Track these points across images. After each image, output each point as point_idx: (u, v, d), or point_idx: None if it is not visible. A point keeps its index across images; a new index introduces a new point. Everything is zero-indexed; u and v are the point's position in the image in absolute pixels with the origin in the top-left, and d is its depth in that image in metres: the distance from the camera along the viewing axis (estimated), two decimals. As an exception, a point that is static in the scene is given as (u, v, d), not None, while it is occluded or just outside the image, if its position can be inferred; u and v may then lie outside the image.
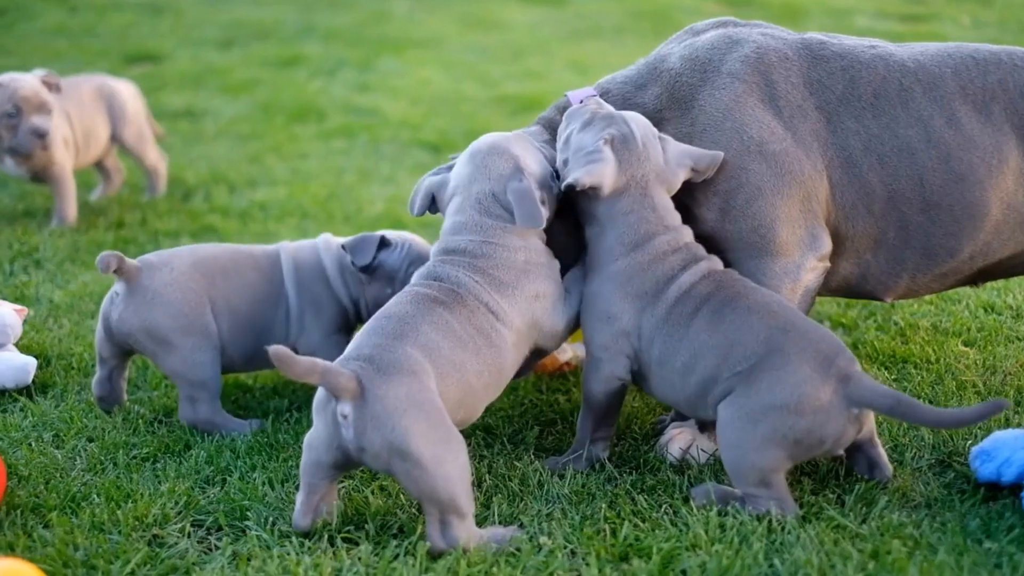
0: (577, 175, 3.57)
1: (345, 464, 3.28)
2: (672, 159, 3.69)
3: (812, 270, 3.77)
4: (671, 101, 3.83)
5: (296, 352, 4.07)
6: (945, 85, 3.84)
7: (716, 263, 3.66)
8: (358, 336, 3.41)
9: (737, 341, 3.44)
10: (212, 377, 4.02)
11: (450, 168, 3.81)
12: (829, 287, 3.93)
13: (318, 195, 6.70)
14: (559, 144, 3.76)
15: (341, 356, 3.33)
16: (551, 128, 3.95)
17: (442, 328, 3.40)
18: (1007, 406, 3.15)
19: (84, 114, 6.32)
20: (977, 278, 4.01)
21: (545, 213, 3.65)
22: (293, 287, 4.12)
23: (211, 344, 4.03)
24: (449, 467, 3.19)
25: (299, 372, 3.13)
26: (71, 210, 6.20)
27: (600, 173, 3.59)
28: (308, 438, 3.32)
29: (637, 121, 3.70)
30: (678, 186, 3.70)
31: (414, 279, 3.64)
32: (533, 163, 3.71)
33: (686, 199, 3.74)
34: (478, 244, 3.61)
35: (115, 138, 6.52)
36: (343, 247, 4.09)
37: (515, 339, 3.58)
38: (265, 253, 4.22)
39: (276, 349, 3.08)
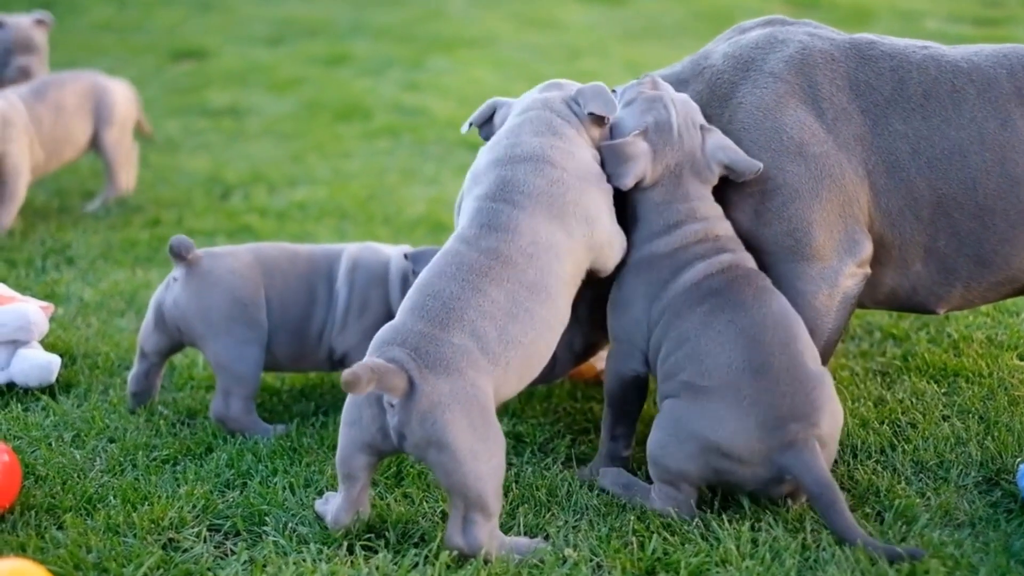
0: (621, 179, 3.62)
1: (383, 447, 3.28)
2: (710, 152, 3.68)
3: (851, 276, 3.74)
4: (712, 98, 3.82)
5: (333, 351, 4.13)
6: (1000, 86, 3.80)
7: (745, 259, 3.62)
8: (402, 312, 3.36)
9: (709, 356, 3.42)
10: (252, 374, 4.06)
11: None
12: (876, 299, 3.89)
13: (358, 195, 6.72)
14: None
15: (384, 336, 3.29)
16: None
17: (489, 312, 3.33)
18: (922, 556, 3.16)
19: (61, 118, 6.26)
20: (1035, 287, 3.96)
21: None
22: (345, 286, 4.16)
23: (259, 340, 4.09)
24: (483, 464, 3.19)
25: (365, 389, 3.11)
26: (8, 218, 6.08)
27: (640, 171, 3.63)
28: (349, 416, 3.31)
29: (680, 106, 3.72)
30: (714, 181, 3.69)
31: (465, 218, 3.56)
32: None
33: (720, 200, 3.72)
34: (540, 147, 3.59)
35: (96, 139, 6.48)
36: (405, 256, 4.09)
37: (573, 271, 3.53)
38: (326, 254, 4.27)
39: (348, 376, 3.07)
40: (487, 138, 3.82)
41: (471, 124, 3.88)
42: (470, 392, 3.22)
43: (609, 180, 3.64)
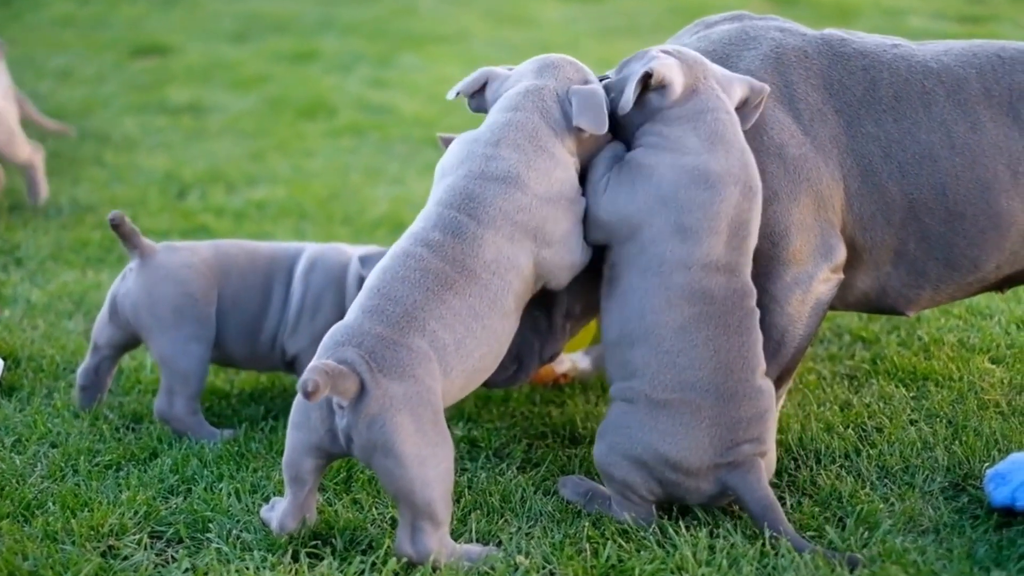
0: (649, 65, 3.50)
1: (332, 450, 3.26)
2: (724, 73, 3.63)
3: (825, 281, 3.73)
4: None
5: (284, 352, 4.13)
6: (969, 87, 3.80)
7: (748, 269, 3.54)
8: (357, 313, 3.30)
9: (676, 368, 3.40)
10: (196, 372, 4.06)
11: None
12: (847, 302, 3.90)
13: (319, 195, 6.71)
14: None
15: (337, 337, 3.26)
16: None
17: (450, 323, 3.31)
18: (859, 563, 3.18)
19: None
20: (1003, 284, 3.98)
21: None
22: (300, 286, 4.15)
23: (206, 338, 4.08)
24: (430, 470, 3.18)
25: (322, 395, 3.10)
26: None
27: (669, 67, 3.52)
28: (297, 417, 3.28)
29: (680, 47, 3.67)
30: (735, 100, 3.59)
31: (425, 219, 3.49)
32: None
33: None
34: (515, 168, 3.46)
35: None
36: (360, 259, 4.08)
37: (529, 287, 3.51)
38: (287, 253, 4.27)
39: (307, 385, 3.05)
40: (476, 109, 3.71)
41: (459, 93, 3.73)
42: (423, 396, 3.20)
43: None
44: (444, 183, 3.53)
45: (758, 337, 3.47)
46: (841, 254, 3.74)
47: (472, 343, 3.34)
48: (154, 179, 6.99)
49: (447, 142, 4.03)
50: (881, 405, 4.13)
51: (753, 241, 3.51)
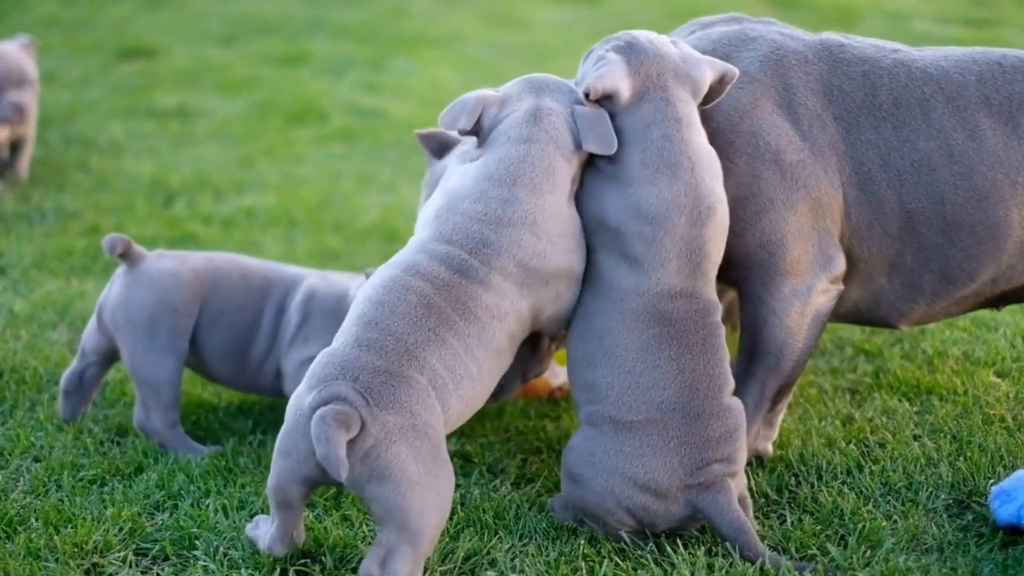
0: (587, 82, 3.49)
1: (321, 480, 3.21)
2: (689, 55, 3.58)
3: (824, 292, 3.73)
4: None
5: (269, 372, 4.12)
6: (968, 95, 3.80)
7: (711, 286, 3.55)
8: (350, 344, 3.25)
9: (640, 388, 3.41)
10: (167, 385, 4.04)
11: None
12: (838, 313, 3.90)
13: (309, 202, 6.70)
14: None
15: (327, 370, 3.19)
16: None
17: (449, 363, 3.27)
18: None
19: None
20: (998, 301, 3.97)
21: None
22: (296, 316, 4.13)
23: (178, 351, 4.07)
24: (431, 498, 3.14)
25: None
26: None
27: (610, 74, 3.49)
28: (284, 445, 3.20)
29: (641, 31, 3.63)
30: (704, 87, 3.56)
31: (429, 251, 3.43)
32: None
33: None
34: (533, 212, 3.43)
35: None
36: (367, 275, 4.06)
37: (527, 331, 3.50)
38: (283, 278, 4.24)
39: (328, 463, 3.03)
40: (465, 134, 3.61)
41: (461, 131, 3.58)
42: (420, 429, 3.16)
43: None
44: (452, 220, 3.46)
45: (724, 354, 3.48)
46: (841, 264, 3.74)
47: (468, 383, 3.32)
48: (140, 186, 6.98)
49: (427, 140, 4.02)
50: (884, 420, 4.13)
51: (713, 261, 3.50)
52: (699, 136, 3.52)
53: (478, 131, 3.59)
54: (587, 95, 3.49)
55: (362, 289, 3.41)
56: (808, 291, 3.71)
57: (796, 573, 3.23)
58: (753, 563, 3.28)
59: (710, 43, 3.85)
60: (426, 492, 3.13)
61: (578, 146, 3.51)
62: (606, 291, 3.47)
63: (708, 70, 3.58)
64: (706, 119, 3.68)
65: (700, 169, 3.46)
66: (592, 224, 3.52)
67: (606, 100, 3.52)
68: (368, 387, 3.14)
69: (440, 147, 4.06)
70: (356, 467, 3.10)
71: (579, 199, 3.55)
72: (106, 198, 6.77)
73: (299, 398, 3.20)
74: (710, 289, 3.49)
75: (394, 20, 11.78)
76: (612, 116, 3.52)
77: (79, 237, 6.11)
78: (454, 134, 3.96)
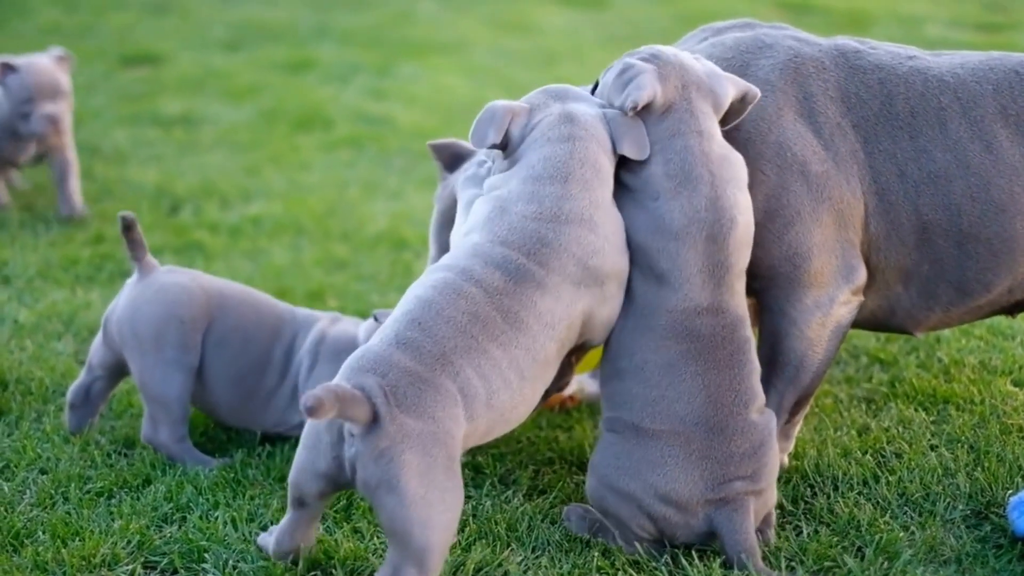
0: (631, 95, 3.48)
1: (338, 479, 3.19)
2: (712, 71, 3.59)
3: (845, 304, 3.73)
4: None
5: (275, 408, 4.13)
6: (985, 104, 3.79)
7: (739, 301, 3.54)
8: (386, 341, 3.22)
9: (664, 401, 3.43)
10: (175, 400, 4.03)
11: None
12: (854, 320, 3.89)
13: (316, 210, 6.71)
14: None
15: (360, 363, 3.17)
16: None
17: (486, 373, 3.24)
18: None
19: None
20: (1014, 309, 3.96)
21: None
22: (307, 358, 4.13)
23: (188, 366, 4.05)
24: (435, 514, 3.11)
25: (327, 415, 3.01)
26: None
27: (650, 82, 3.50)
28: (308, 438, 3.23)
29: (662, 46, 3.64)
30: (725, 103, 3.57)
31: (484, 255, 3.39)
32: None
33: None
34: (589, 208, 3.43)
35: None
36: (375, 317, 4.04)
37: (573, 340, 3.47)
38: (296, 318, 4.23)
39: (310, 400, 2.97)
40: (491, 147, 3.56)
41: (493, 145, 3.54)
42: (439, 438, 3.13)
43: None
44: (506, 222, 3.43)
45: (752, 369, 3.48)
46: (862, 275, 3.73)
47: (506, 395, 3.28)
48: (145, 193, 6.98)
49: (440, 151, 4.01)
50: (900, 430, 4.13)
51: (738, 272, 3.50)
52: (720, 148, 3.52)
53: (507, 143, 3.56)
54: (633, 107, 3.48)
55: (412, 287, 3.39)
56: (830, 302, 3.71)
57: None
58: None
59: (726, 49, 3.84)
60: (432, 508, 3.10)
61: (614, 147, 3.52)
62: (634, 307, 3.49)
63: (731, 87, 3.58)
64: (734, 130, 3.68)
65: (720, 181, 3.46)
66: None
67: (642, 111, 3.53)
68: (394, 386, 3.12)
69: (453, 159, 4.06)
70: (369, 467, 3.09)
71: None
72: (111, 206, 6.77)
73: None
74: (737, 301, 3.49)
75: (400, 26, 11.79)
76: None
77: (84, 246, 6.12)
78: (469, 145, 3.94)
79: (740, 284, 3.52)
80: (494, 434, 3.36)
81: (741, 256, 3.50)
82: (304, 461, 3.24)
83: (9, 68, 6.30)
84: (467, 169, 3.90)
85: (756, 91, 3.62)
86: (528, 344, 3.30)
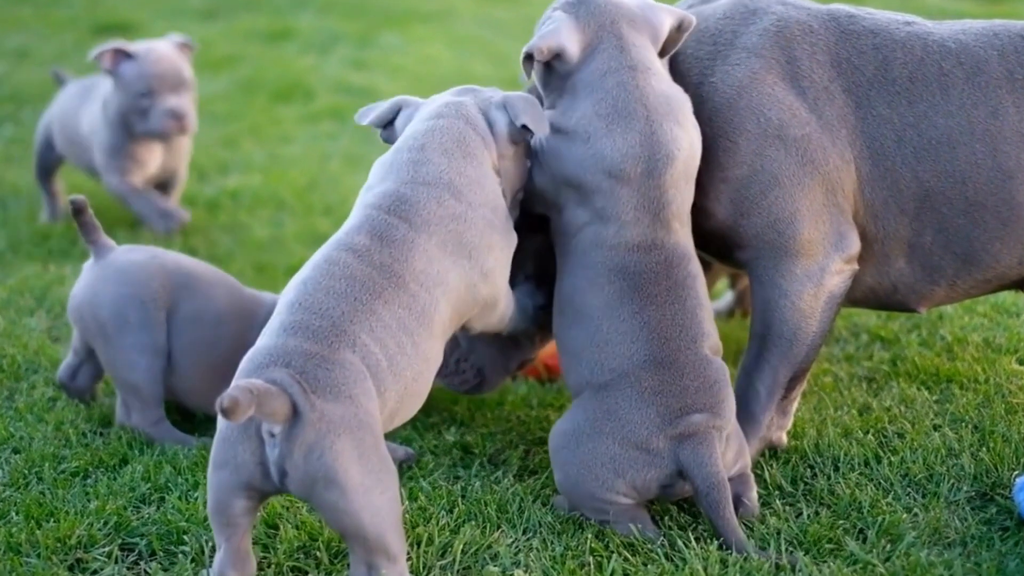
0: (531, 43, 3.54)
1: (264, 487, 3.09)
2: (645, 3, 3.65)
3: (838, 273, 3.73)
4: (675, 75, 3.78)
5: None
6: (990, 70, 3.79)
7: (671, 237, 3.57)
8: (276, 333, 3.18)
9: (608, 344, 3.48)
10: (145, 384, 3.99)
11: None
12: (853, 298, 3.89)
13: (297, 183, 6.69)
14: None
15: (258, 359, 3.12)
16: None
17: (380, 337, 3.22)
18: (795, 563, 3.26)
19: None
20: (1023, 283, 3.96)
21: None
22: None
23: (152, 349, 3.98)
24: (377, 499, 3.07)
25: (245, 414, 2.90)
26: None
27: (554, 33, 3.54)
28: (220, 455, 3.09)
29: None
30: (663, 32, 3.64)
31: (350, 224, 3.43)
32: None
33: (695, 191, 3.67)
34: (447, 172, 3.47)
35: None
36: None
37: (452, 318, 3.45)
38: (266, 302, 4.15)
39: (226, 401, 2.86)
40: (388, 141, 3.70)
41: (371, 125, 3.72)
42: (362, 419, 3.09)
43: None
44: (369, 194, 3.49)
45: (698, 305, 3.53)
46: (855, 243, 3.73)
47: (404, 360, 3.26)
48: (119, 166, 6.94)
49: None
50: (902, 409, 4.12)
51: (677, 209, 3.56)
52: (659, 82, 3.58)
53: (393, 135, 3.69)
54: (530, 56, 3.54)
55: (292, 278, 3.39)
56: (821, 272, 3.71)
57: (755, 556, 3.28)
58: (719, 533, 3.31)
59: (706, 20, 3.85)
60: (373, 493, 3.06)
61: (491, 127, 3.57)
62: (573, 249, 3.57)
63: (666, 16, 3.65)
64: (703, 100, 3.72)
65: (657, 115, 3.52)
66: (557, 183, 3.58)
67: (557, 61, 3.56)
68: (302, 372, 3.06)
69: None
70: (300, 466, 3.00)
71: (543, 161, 3.60)
72: (84, 179, 6.74)
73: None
74: (677, 238, 3.55)
75: (383, -6, 11.77)
76: (567, 75, 3.57)
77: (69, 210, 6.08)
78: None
79: (680, 222, 3.58)
80: (406, 411, 3.35)
81: (680, 192, 3.56)
82: (223, 481, 3.09)
83: (123, 55, 5.75)
84: None
85: (691, 18, 3.69)
86: (409, 303, 3.30)
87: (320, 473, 3.01)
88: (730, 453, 3.48)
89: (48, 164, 6.30)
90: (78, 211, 4.02)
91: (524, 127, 3.52)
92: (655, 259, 3.50)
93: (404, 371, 3.27)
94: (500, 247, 3.53)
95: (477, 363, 3.99)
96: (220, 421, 3.08)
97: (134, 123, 5.80)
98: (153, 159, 5.98)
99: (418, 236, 3.37)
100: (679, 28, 3.67)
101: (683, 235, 3.57)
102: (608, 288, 3.50)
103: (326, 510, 3.05)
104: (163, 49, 5.83)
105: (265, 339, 3.19)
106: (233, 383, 2.98)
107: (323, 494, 3.02)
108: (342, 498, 3.02)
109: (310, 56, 9.64)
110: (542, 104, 3.73)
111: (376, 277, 3.28)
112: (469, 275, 3.44)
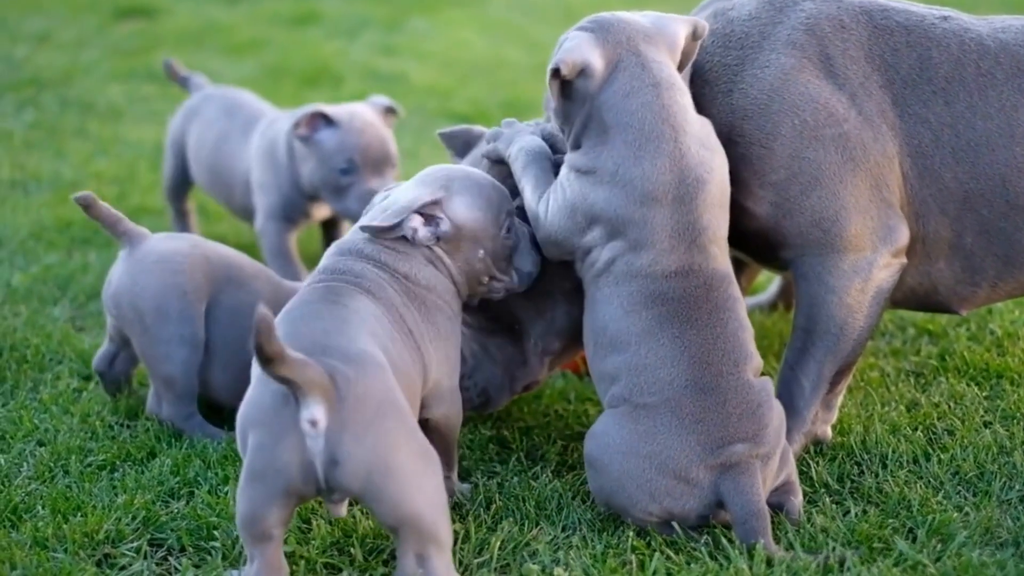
0: (556, 58, 3.48)
1: (303, 490, 3.02)
2: (657, 16, 3.62)
3: (886, 267, 3.72)
4: (703, 85, 3.77)
5: None
6: None
7: (708, 260, 3.52)
8: (288, 328, 3.15)
9: (648, 370, 3.44)
10: (181, 377, 3.98)
11: None
12: (893, 298, 3.88)
13: (326, 172, 6.68)
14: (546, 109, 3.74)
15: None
16: None
17: (377, 319, 3.26)
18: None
19: None
20: (1067, 282, 3.95)
21: (421, 236, 3.50)
22: None
23: (190, 342, 3.97)
24: (429, 483, 3.06)
25: (283, 366, 2.87)
26: None
27: (579, 47, 3.49)
28: (256, 465, 3.00)
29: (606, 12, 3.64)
30: (679, 42, 3.59)
31: (308, 278, 3.48)
32: (464, 205, 3.56)
33: (733, 191, 3.65)
34: (385, 251, 3.48)
35: None
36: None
37: (420, 370, 3.42)
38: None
39: (260, 318, 2.83)
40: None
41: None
42: (399, 396, 3.08)
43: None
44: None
45: (739, 327, 3.49)
46: (904, 235, 3.71)
47: (402, 351, 3.30)
48: (143, 152, 6.98)
49: (452, 140, 4.06)
50: (951, 405, 4.11)
51: (713, 234, 3.51)
52: (683, 97, 3.54)
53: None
54: (557, 71, 3.47)
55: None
56: (869, 267, 3.70)
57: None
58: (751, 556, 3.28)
59: (731, 23, 3.82)
60: (425, 477, 3.05)
61: None
62: (604, 281, 3.51)
63: (680, 26, 3.60)
64: (733, 107, 3.71)
65: (685, 137, 3.48)
66: (582, 220, 3.52)
67: (580, 79, 3.51)
68: (326, 348, 3.05)
69: (465, 147, 4.07)
70: (355, 452, 2.95)
71: (568, 199, 3.54)
72: (107, 166, 6.78)
73: (257, 399, 3.07)
74: (715, 262, 3.50)
75: (412, -23, 11.77)
76: (588, 98, 3.51)
77: (79, 208, 6.07)
78: (480, 129, 4.04)
79: (718, 246, 3.52)
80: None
81: (715, 217, 3.51)
82: (258, 492, 3.02)
83: (323, 119, 5.10)
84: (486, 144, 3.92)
85: (704, 23, 3.64)
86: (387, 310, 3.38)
87: (375, 459, 2.97)
88: (773, 470, 3.45)
89: (179, 185, 5.83)
90: (87, 207, 3.99)
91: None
92: (694, 284, 3.45)
93: (407, 362, 3.31)
94: (450, 317, 3.61)
95: (481, 382, 3.96)
96: (251, 431, 3.03)
97: (326, 199, 5.19)
98: (321, 213, 5.45)
99: (383, 275, 3.47)
100: (693, 35, 3.62)
101: (722, 260, 3.53)
102: (646, 314, 3.45)
103: (381, 502, 3.00)
104: (368, 117, 5.16)
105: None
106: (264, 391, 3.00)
107: (379, 481, 2.98)
108: (400, 487, 2.99)
109: (337, 41, 9.65)
110: (552, 144, 3.78)
111: (353, 285, 3.37)
112: (432, 338, 3.51)
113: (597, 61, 3.49)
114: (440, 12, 10.51)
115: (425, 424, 3.47)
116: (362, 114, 5.14)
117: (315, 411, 2.93)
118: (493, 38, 9.77)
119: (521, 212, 3.69)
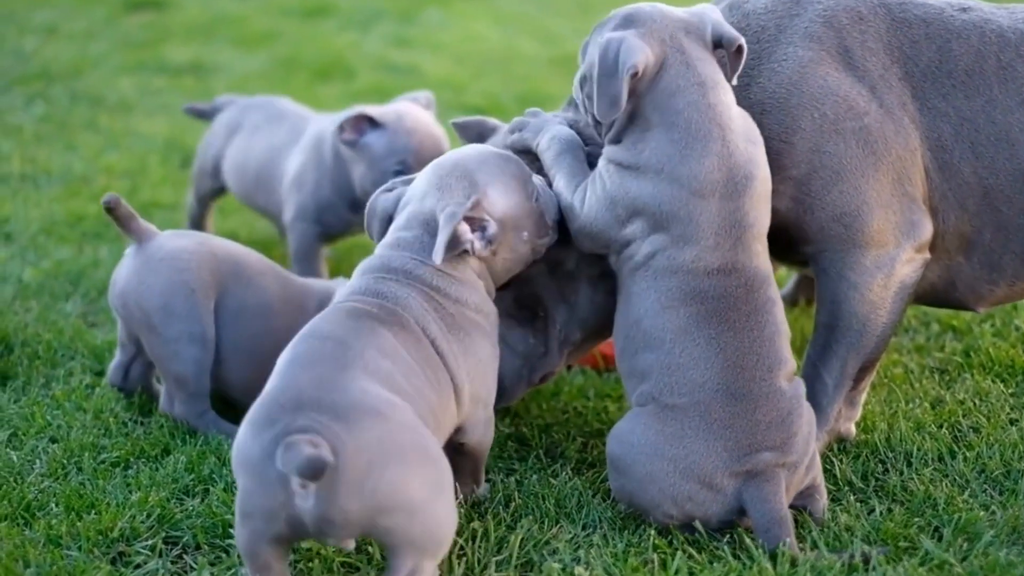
0: (625, 60, 3.40)
1: (292, 537, 3.01)
2: (693, 9, 3.58)
3: (909, 262, 3.71)
4: None
5: None
6: None
7: (750, 258, 3.50)
8: (285, 368, 3.13)
9: (680, 369, 3.42)
10: (192, 376, 3.98)
11: (406, 183, 3.69)
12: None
13: (339, 165, 6.68)
14: (575, 86, 3.70)
15: (264, 413, 3.00)
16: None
17: (389, 353, 3.18)
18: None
19: None
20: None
21: (479, 248, 3.47)
22: None
23: (200, 340, 3.98)
24: (441, 509, 3.04)
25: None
26: None
27: (636, 49, 3.42)
28: (245, 505, 2.99)
29: (635, 4, 3.60)
30: (718, 28, 3.54)
31: (339, 295, 3.45)
32: (499, 195, 3.52)
33: None
34: (423, 268, 3.43)
35: None
36: None
37: (452, 397, 3.37)
38: (315, 291, 4.16)
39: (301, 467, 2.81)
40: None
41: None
42: (401, 433, 3.01)
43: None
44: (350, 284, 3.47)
45: (776, 331, 3.47)
46: (927, 230, 3.71)
47: (420, 383, 3.22)
48: (154, 146, 6.98)
49: (467, 130, 4.03)
50: (977, 402, 4.10)
51: (757, 231, 3.49)
52: (727, 95, 3.51)
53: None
54: (636, 74, 3.42)
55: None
56: (892, 262, 3.69)
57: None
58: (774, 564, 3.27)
59: (747, 17, 3.81)
60: (436, 503, 3.03)
61: None
62: (642, 275, 3.49)
63: (712, 14, 3.56)
64: (751, 103, 3.68)
65: (732, 135, 3.46)
66: (623, 213, 3.50)
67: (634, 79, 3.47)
68: (318, 402, 2.98)
69: (479, 137, 4.05)
70: (352, 508, 2.92)
71: (609, 192, 3.52)
72: (117, 159, 6.78)
73: (245, 449, 3.02)
74: (757, 261, 3.48)
75: (425, -32, 11.76)
76: (635, 94, 3.46)
77: (90, 202, 6.10)
78: (495, 122, 4.04)
79: (759, 244, 3.51)
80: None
81: (760, 214, 3.50)
82: (252, 530, 3.02)
83: (368, 121, 4.86)
84: (509, 135, 3.91)
85: (736, 36, 3.56)
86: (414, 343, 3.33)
87: (379, 506, 2.93)
88: (799, 477, 3.44)
89: (213, 196, 5.71)
90: (111, 209, 3.97)
91: None
92: (735, 283, 3.43)
93: (424, 392, 3.24)
94: (487, 334, 3.56)
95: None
96: (239, 475, 3.02)
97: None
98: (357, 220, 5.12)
99: (417, 297, 3.40)
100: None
101: (763, 258, 3.51)
102: (683, 311, 3.42)
103: (389, 535, 2.98)
104: (417, 115, 4.93)
105: (281, 371, 3.14)
106: (256, 437, 2.96)
107: (386, 521, 2.96)
108: (407, 520, 2.97)
109: (350, 33, 9.64)
110: (582, 137, 3.77)
111: (376, 312, 3.30)
112: (466, 359, 3.47)
113: (650, 61, 3.46)
114: (454, 4, 10.50)
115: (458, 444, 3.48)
116: (411, 113, 4.91)
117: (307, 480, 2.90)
118: (507, 30, 9.77)
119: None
